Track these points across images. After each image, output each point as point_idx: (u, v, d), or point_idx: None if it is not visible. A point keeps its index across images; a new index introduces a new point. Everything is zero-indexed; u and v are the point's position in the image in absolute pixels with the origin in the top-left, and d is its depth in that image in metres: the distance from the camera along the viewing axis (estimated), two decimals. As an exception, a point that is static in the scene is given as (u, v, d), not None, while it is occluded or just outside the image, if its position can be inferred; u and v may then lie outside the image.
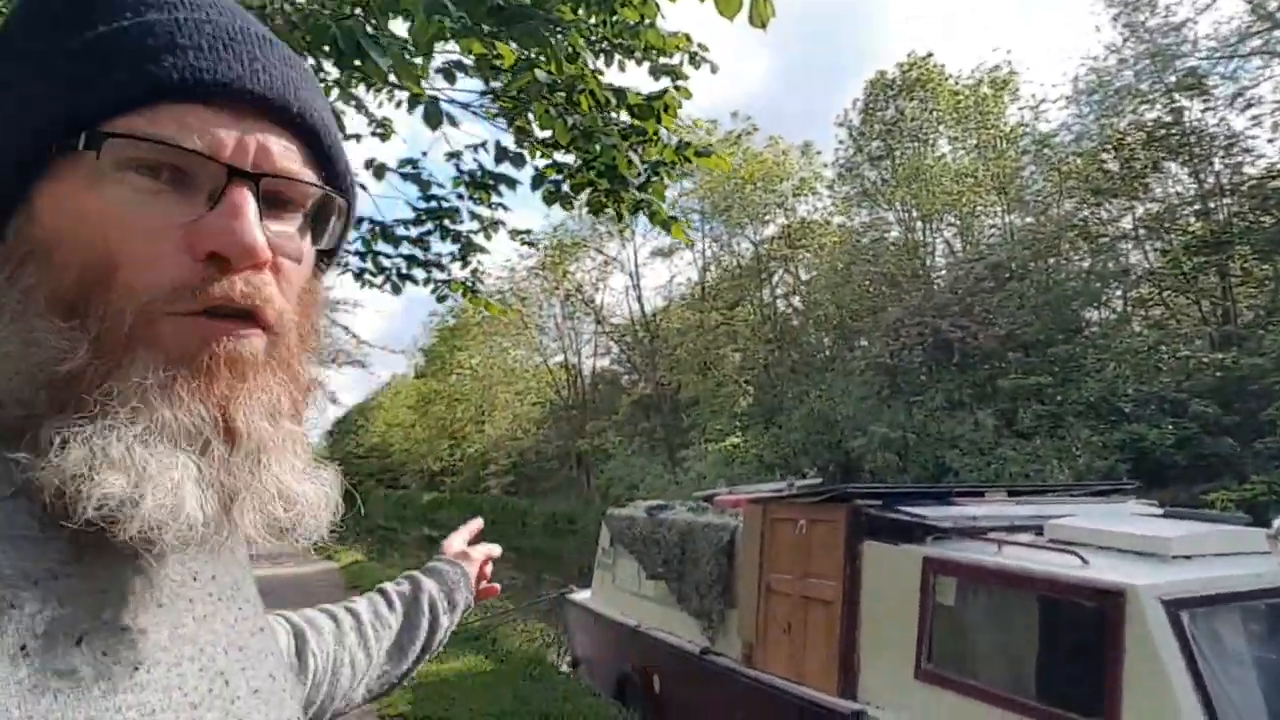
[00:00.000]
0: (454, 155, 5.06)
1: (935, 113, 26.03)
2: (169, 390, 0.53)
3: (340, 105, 4.67)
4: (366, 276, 5.61)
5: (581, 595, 8.78)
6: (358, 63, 2.85)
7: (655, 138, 4.45)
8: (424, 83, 3.97)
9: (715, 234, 33.72)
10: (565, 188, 4.73)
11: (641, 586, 7.24)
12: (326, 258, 0.70)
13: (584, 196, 4.70)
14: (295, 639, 0.98)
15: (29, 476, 0.50)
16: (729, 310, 31.79)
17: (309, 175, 0.61)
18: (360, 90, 4.54)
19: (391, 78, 3.63)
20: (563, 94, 3.92)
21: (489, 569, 1.31)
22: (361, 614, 1.09)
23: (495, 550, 1.32)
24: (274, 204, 0.59)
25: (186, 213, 0.55)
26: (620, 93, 4.06)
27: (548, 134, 4.33)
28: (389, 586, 1.17)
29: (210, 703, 0.58)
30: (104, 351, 0.52)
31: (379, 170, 4.94)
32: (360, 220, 5.44)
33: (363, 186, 5.02)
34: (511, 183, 5.01)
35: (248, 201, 0.55)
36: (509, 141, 4.55)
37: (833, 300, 26.99)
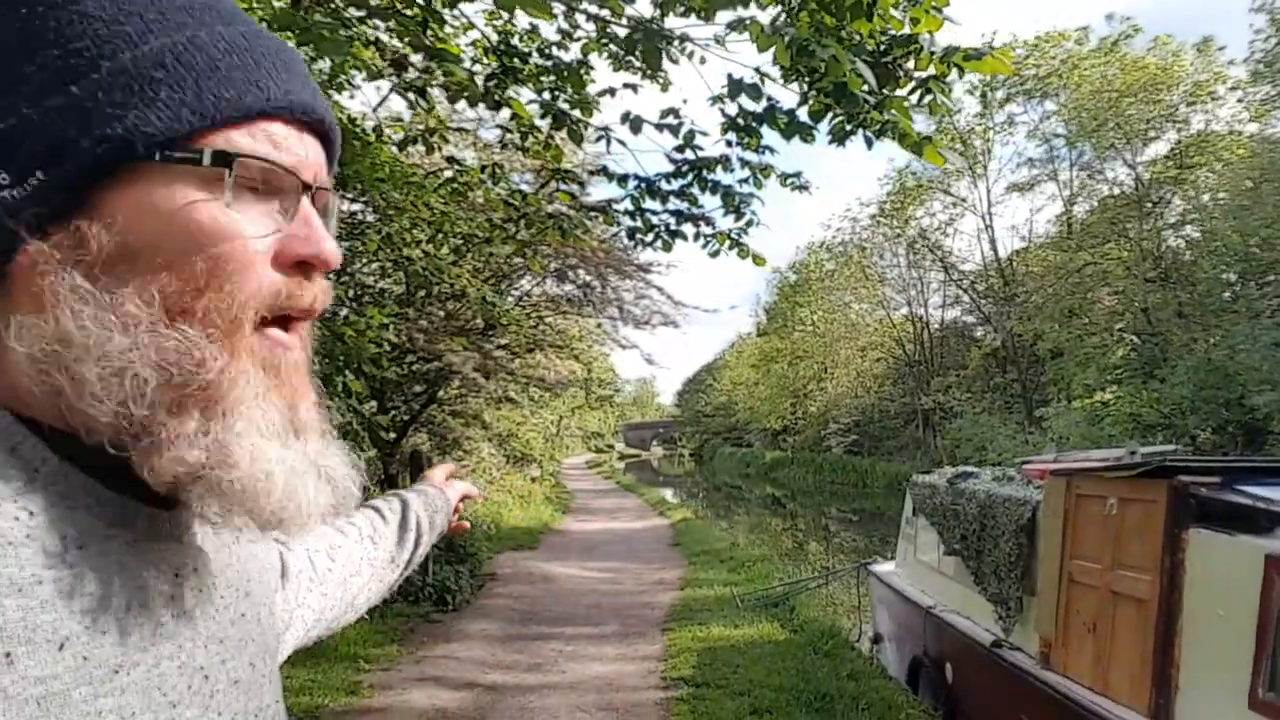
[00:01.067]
0: (717, 99, 4.72)
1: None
2: (267, 390, 0.58)
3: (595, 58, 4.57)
4: (638, 235, 5.45)
5: (884, 567, 8.16)
6: None
7: (914, 47, 3.79)
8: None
9: (1084, 160, 29.86)
10: (802, 116, 4.18)
11: (940, 562, 6.52)
12: None
13: (824, 125, 4.15)
14: (309, 554, 1.01)
15: (150, 475, 0.55)
16: (1099, 247, 27.90)
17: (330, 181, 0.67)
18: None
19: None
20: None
21: (463, 506, 1.40)
22: (363, 528, 1.14)
23: (473, 490, 1.42)
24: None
25: (270, 224, 0.59)
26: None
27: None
28: (380, 503, 1.23)
29: (190, 700, 0.59)
30: (218, 355, 0.56)
31: (635, 123, 4.68)
32: (625, 177, 5.30)
33: (620, 142, 4.85)
34: (775, 121, 4.55)
35: (314, 213, 0.62)
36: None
37: (1235, 228, 22.44)
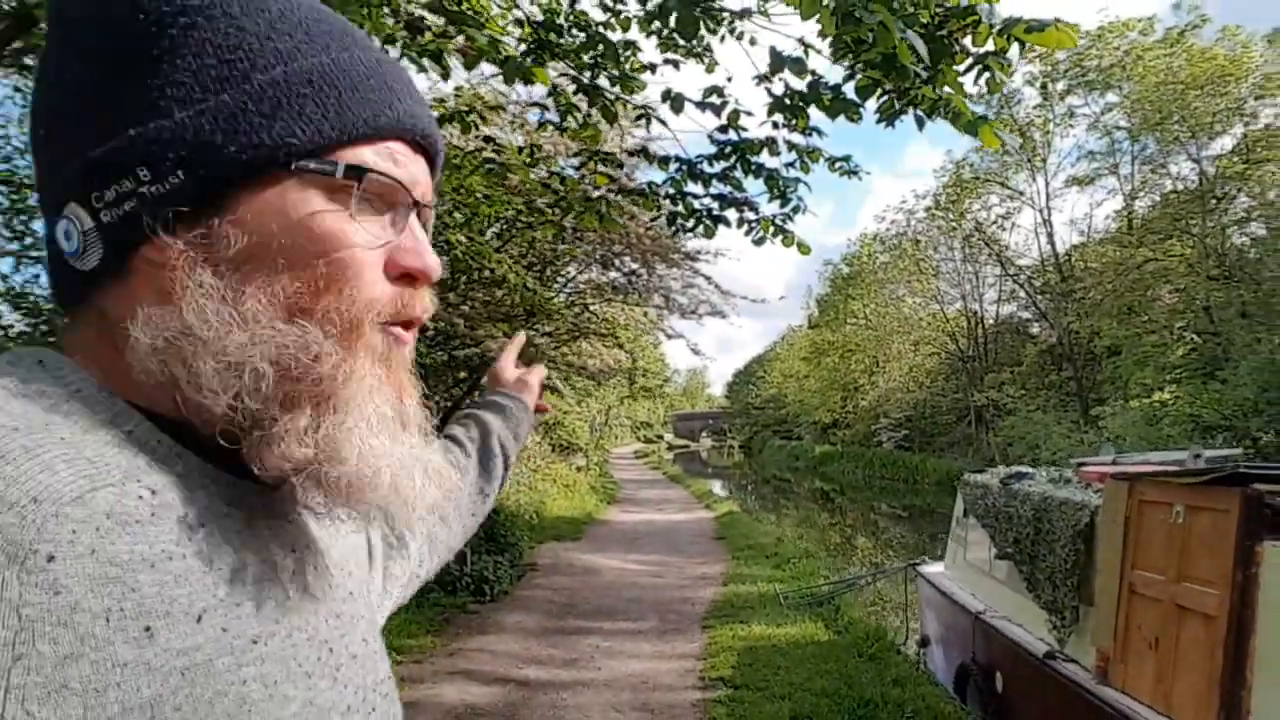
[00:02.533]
0: (762, 78, 4.53)
1: None
2: (379, 387, 0.62)
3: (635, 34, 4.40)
4: (679, 220, 5.26)
5: (933, 568, 7.90)
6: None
7: (972, 19, 3.56)
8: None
9: (1146, 153, 28.79)
10: (849, 93, 3.96)
11: (992, 566, 6.26)
12: None
13: (872, 103, 3.93)
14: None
15: (265, 463, 0.58)
16: (1161, 244, 26.90)
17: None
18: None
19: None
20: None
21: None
22: None
23: (542, 371, 1.35)
24: None
25: (382, 235, 0.62)
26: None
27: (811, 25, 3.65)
28: (458, 431, 1.19)
29: (320, 671, 0.61)
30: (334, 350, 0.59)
31: (677, 102, 4.48)
32: (666, 159, 5.12)
33: (662, 121, 4.66)
34: (820, 99, 4.34)
35: (419, 227, 0.66)
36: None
37: None
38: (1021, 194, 34.00)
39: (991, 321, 37.83)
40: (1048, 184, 33.00)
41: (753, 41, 4.43)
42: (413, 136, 0.65)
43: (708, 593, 9.82)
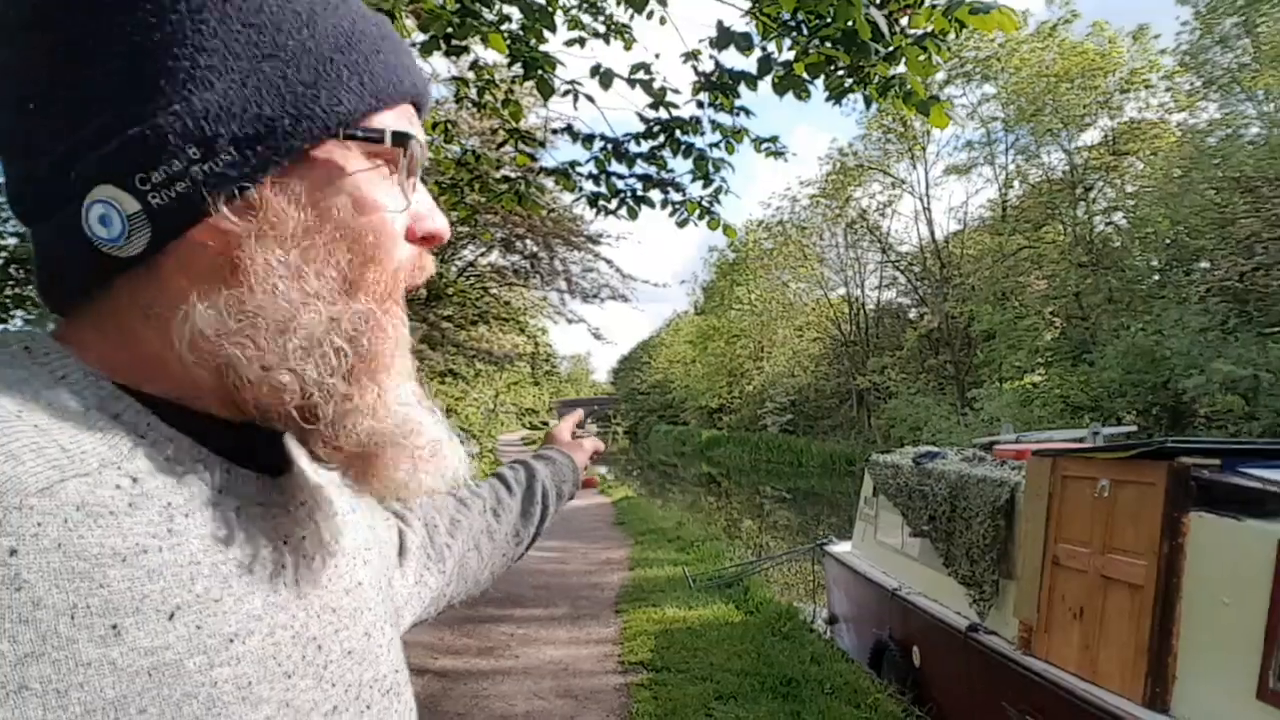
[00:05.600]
0: (691, 55, 4.42)
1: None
2: (409, 360, 0.62)
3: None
4: (600, 202, 5.09)
5: (841, 547, 8.04)
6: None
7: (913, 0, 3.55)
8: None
9: (1020, 144, 30.12)
10: (800, 71, 3.89)
11: (904, 544, 6.39)
12: None
13: (821, 81, 3.89)
14: (428, 530, 0.98)
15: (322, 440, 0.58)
16: (1034, 232, 28.19)
17: None
18: None
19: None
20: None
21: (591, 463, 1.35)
22: (487, 499, 1.10)
23: (600, 445, 1.36)
24: None
25: (402, 200, 0.61)
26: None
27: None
28: (506, 472, 1.18)
29: (303, 670, 0.58)
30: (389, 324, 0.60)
31: (606, 77, 4.31)
32: (591, 137, 4.95)
33: (589, 98, 4.49)
34: (752, 81, 4.27)
35: (424, 190, 0.64)
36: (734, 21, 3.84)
37: (1166, 214, 22.63)
38: (903, 182, 35.19)
39: (873, 307, 39.12)
40: (927, 172, 34.37)
41: (662, 21, 4.33)
42: (420, 97, 0.64)
43: (615, 577, 9.76)
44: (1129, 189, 25.72)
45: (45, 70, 0.53)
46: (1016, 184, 30.75)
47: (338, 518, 0.68)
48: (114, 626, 0.47)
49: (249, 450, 0.59)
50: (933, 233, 34.36)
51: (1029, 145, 28.85)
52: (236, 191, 0.54)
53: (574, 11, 4.58)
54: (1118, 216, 26.31)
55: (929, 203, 34.32)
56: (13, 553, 0.44)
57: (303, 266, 0.55)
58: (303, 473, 0.66)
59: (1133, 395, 20.41)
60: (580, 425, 1.40)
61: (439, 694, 5.61)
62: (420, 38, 3.95)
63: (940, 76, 31.15)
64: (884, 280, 38.72)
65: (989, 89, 29.47)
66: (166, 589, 0.50)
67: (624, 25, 4.62)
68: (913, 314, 37.09)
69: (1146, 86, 25.85)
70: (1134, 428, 12.97)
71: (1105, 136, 26.69)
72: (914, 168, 34.49)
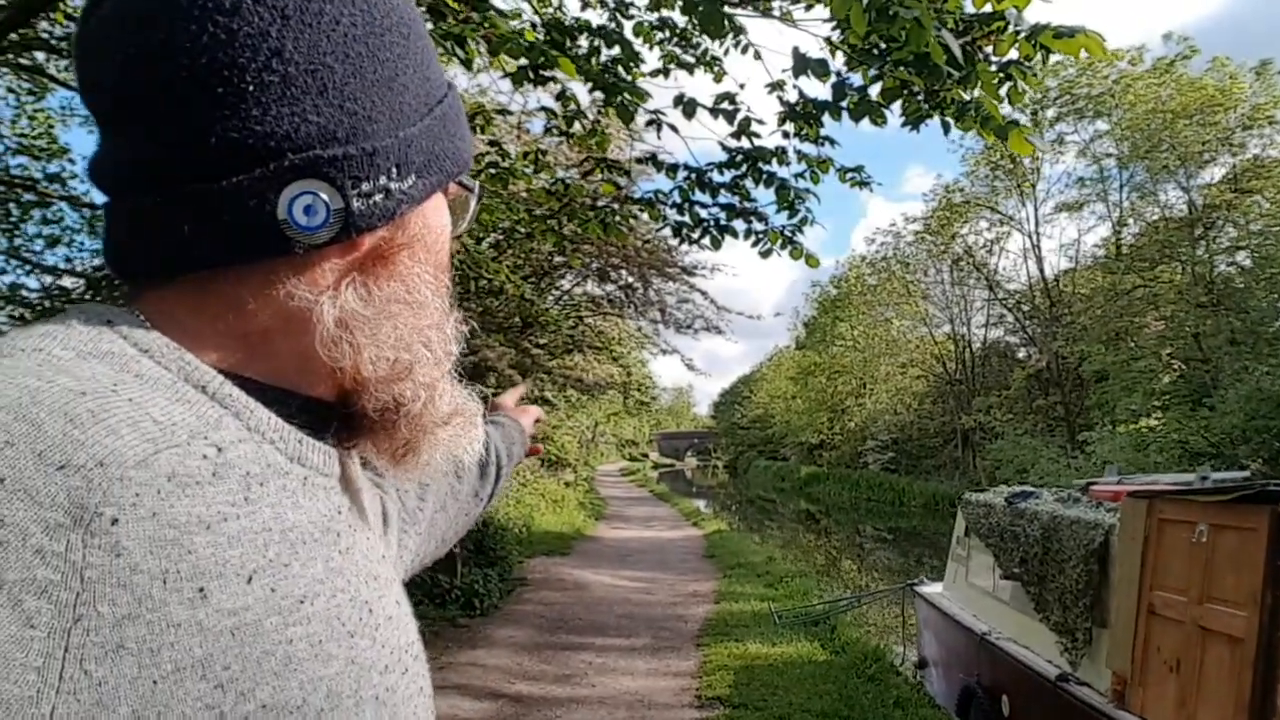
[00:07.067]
0: (776, 85, 4.43)
1: None
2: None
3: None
4: (684, 230, 5.14)
5: (932, 588, 7.78)
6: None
7: (997, 25, 3.47)
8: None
9: (1136, 181, 28.95)
10: (874, 95, 3.86)
11: (996, 587, 6.14)
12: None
13: (899, 106, 3.84)
14: (399, 495, 1.03)
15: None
16: (1149, 271, 27.02)
17: None
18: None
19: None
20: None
21: (536, 431, 1.46)
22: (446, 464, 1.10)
23: (540, 413, 1.50)
24: None
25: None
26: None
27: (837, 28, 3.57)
28: None
29: (362, 630, 0.62)
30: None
31: (689, 107, 4.37)
32: (675, 166, 5.01)
33: (673, 127, 4.55)
34: (836, 110, 4.24)
35: None
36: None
37: None
38: (1011, 219, 34.18)
39: (979, 345, 37.92)
40: (1037, 209, 33.20)
41: (757, 55, 4.35)
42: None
43: (700, 610, 9.67)
44: (1253, 227, 24.37)
45: (302, 64, 0.58)
46: (1131, 221, 29.53)
47: (364, 492, 0.73)
48: (200, 590, 0.50)
49: (324, 425, 0.64)
50: (1042, 270, 33.22)
51: (1144, 182, 27.71)
52: (408, 208, 0.65)
53: (669, 46, 4.65)
54: (1241, 255, 24.95)
55: (1039, 240, 33.13)
56: (115, 521, 0.47)
57: (436, 275, 0.68)
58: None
59: (1256, 441, 19.20)
60: (524, 399, 1.51)
61: (511, 718, 5.65)
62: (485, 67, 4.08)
63: (1051, 113, 30.34)
64: (991, 318, 37.56)
65: (1101, 125, 28.45)
66: (245, 554, 0.53)
67: (715, 57, 4.67)
68: (1021, 353, 35.78)
69: (1271, 123, 24.56)
70: (1248, 472, 12.17)
71: (1227, 174, 25.40)
72: (1023, 204, 33.48)
